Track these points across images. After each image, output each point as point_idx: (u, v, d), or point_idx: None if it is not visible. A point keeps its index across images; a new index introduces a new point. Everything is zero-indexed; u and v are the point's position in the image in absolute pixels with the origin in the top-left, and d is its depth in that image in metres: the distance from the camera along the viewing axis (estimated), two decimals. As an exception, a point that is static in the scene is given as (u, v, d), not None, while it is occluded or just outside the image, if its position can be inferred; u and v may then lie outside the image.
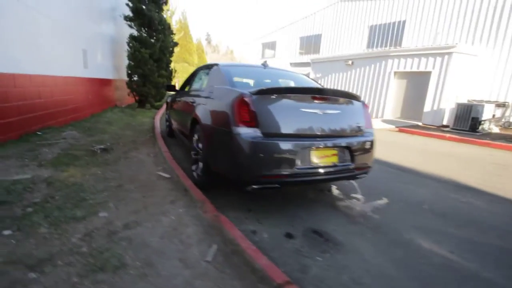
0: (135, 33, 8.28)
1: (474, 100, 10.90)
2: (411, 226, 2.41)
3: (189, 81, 4.57)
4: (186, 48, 24.68)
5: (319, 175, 2.33)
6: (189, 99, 3.44)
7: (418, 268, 1.84)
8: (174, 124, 4.74)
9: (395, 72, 12.45)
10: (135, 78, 8.56)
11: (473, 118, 9.08)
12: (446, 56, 10.75)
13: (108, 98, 7.94)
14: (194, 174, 2.98)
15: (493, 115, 10.27)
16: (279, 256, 1.82)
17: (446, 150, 6.15)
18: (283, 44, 21.75)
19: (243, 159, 2.12)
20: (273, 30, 22.27)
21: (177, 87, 4.88)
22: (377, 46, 15.81)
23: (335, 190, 3.16)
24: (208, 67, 3.42)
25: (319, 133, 2.36)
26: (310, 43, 19.60)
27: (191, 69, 30.31)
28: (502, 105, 10.96)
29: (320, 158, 2.33)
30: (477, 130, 8.95)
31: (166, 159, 3.56)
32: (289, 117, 2.28)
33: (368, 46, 16.23)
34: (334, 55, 15.41)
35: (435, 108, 10.82)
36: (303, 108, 2.34)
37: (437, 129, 9.57)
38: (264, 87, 2.24)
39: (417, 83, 11.83)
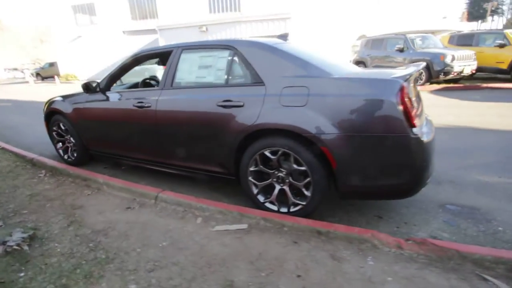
0: None
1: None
2: (456, 169, 2.93)
3: (123, 70, 2.85)
4: None
5: None
6: (201, 103, 2.18)
7: (520, 199, 2.34)
8: (106, 143, 2.96)
9: (250, 37, 13.26)
10: None
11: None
12: (288, 20, 12.56)
13: None
14: (272, 206, 2.10)
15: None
16: (494, 247, 1.74)
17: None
18: (106, 7, 17.26)
19: (426, 165, 1.71)
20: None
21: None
22: (219, 11, 15.88)
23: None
24: (222, 47, 2.20)
25: None
26: (143, 6, 16.73)
27: None
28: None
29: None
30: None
31: (182, 200, 2.23)
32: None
33: (210, 11, 15.97)
34: (185, 21, 14.13)
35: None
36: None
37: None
38: (406, 73, 1.78)
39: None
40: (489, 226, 1.97)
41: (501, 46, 7.70)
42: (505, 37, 7.75)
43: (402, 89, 1.63)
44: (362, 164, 1.75)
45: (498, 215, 2.10)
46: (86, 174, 2.88)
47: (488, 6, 27.66)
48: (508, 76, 7.83)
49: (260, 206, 2.15)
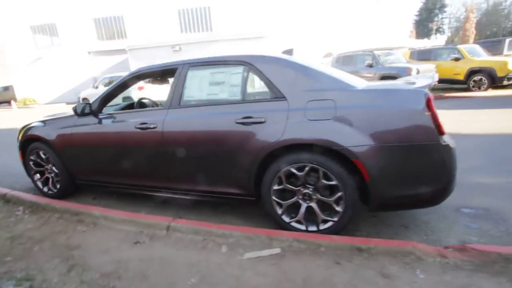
0: None
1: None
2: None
3: (118, 89, 2.65)
4: None
5: None
6: (219, 121, 2.05)
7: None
8: (100, 172, 2.68)
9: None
10: None
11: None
12: (263, 39, 12.96)
13: None
14: (299, 226, 2.00)
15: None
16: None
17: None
18: (70, 27, 16.42)
19: (455, 171, 1.74)
20: (49, 7, 15.89)
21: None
22: (190, 31, 15.94)
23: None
24: (235, 62, 2.12)
25: None
26: (110, 26, 16.22)
27: None
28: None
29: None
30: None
31: (199, 228, 2.03)
32: None
33: (182, 31, 15.97)
34: (157, 41, 13.91)
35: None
36: None
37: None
38: (427, 83, 1.85)
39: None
40: (508, 226, 2.05)
41: (457, 59, 8.58)
42: (458, 51, 8.67)
43: (429, 98, 1.67)
44: (395, 174, 1.74)
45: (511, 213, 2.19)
46: (77, 208, 2.54)
47: (433, 26, 31.22)
48: (465, 86, 8.70)
49: (286, 227, 2.03)
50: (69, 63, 16.46)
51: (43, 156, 2.92)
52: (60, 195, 2.96)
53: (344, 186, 1.80)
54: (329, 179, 1.84)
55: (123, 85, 2.60)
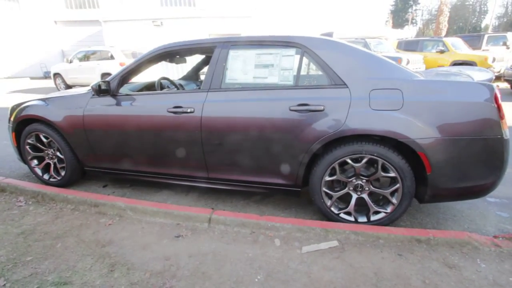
0: None
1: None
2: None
3: (140, 67, 2.35)
4: None
5: None
6: (280, 110, 1.88)
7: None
8: (120, 159, 2.42)
9: (209, 34, 12.71)
10: None
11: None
12: (248, 19, 12.46)
13: None
14: (348, 217, 1.98)
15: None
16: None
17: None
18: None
19: (507, 165, 1.78)
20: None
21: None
22: (171, 4, 14.85)
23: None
24: (286, 44, 1.94)
25: None
26: (81, -6, 14.56)
27: None
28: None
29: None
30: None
31: (246, 220, 1.92)
32: None
33: (162, 4, 14.82)
34: (136, 13, 12.76)
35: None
36: None
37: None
38: (488, 77, 1.83)
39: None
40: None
41: (441, 52, 8.94)
42: (444, 44, 9.03)
43: (495, 94, 1.67)
44: (455, 167, 1.74)
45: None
46: (95, 198, 2.28)
47: (409, 17, 32.22)
48: (446, 78, 9.16)
49: (334, 218, 1.99)
50: (32, 33, 14.59)
51: (44, 139, 2.57)
52: (65, 183, 2.65)
53: (403, 179, 1.78)
54: (386, 171, 1.81)
55: (147, 62, 2.31)
